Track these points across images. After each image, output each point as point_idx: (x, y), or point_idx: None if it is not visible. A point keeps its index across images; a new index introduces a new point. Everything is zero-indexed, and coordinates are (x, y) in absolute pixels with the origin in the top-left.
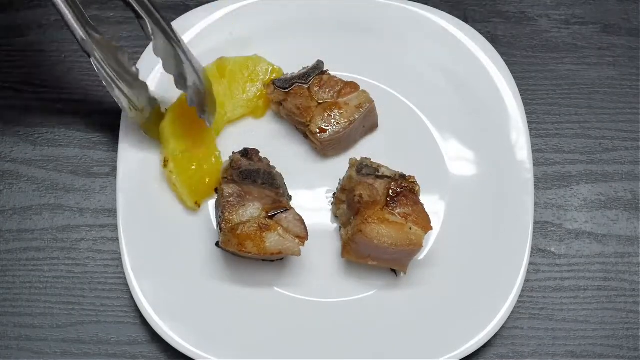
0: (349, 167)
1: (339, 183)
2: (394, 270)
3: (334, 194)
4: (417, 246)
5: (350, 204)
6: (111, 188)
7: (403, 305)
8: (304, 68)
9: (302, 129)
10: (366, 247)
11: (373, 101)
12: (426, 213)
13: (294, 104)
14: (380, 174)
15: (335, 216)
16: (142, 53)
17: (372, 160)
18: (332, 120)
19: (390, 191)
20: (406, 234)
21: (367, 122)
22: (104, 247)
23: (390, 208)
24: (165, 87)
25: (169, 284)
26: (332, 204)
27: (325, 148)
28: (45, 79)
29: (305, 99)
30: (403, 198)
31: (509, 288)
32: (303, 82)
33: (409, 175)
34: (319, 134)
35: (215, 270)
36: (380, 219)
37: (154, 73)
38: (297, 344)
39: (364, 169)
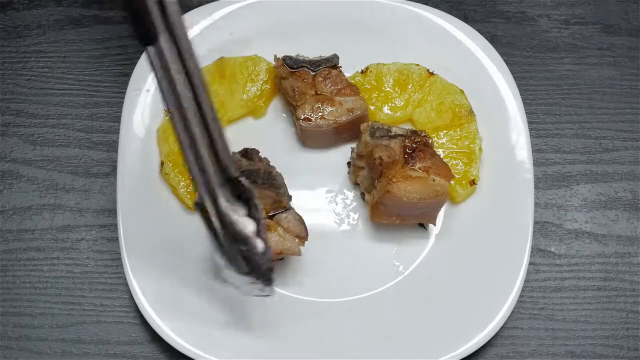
0: (361, 134)
1: (352, 151)
2: (422, 225)
3: (349, 163)
4: (444, 196)
5: (371, 167)
6: (111, 188)
7: (403, 306)
8: (320, 56)
9: (292, 110)
10: (395, 206)
11: (367, 110)
12: (445, 163)
13: (292, 85)
14: (393, 133)
15: (356, 184)
16: (142, 53)
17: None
18: (320, 114)
19: (407, 148)
20: (431, 186)
21: (356, 129)
22: (104, 247)
23: (410, 164)
24: None
25: (169, 284)
26: (348, 172)
27: (305, 136)
28: (45, 79)
29: (305, 85)
30: (420, 152)
31: (509, 288)
32: (311, 68)
33: (420, 130)
34: (302, 121)
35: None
36: (404, 176)
37: (152, 75)
38: (297, 343)
39: (376, 131)
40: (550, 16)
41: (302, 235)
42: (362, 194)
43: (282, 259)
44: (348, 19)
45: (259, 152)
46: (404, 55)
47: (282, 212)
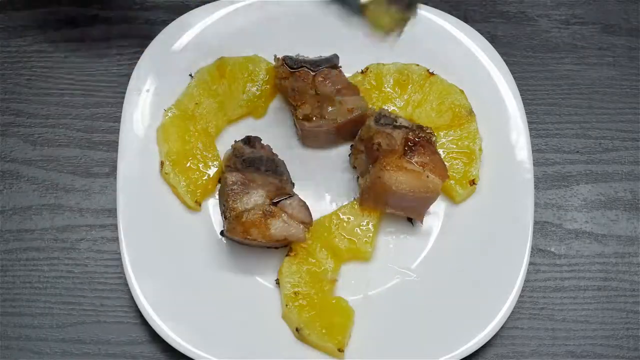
0: (367, 118)
1: (358, 136)
2: (410, 220)
3: (352, 146)
4: (434, 194)
5: (369, 152)
6: (111, 188)
7: (402, 306)
8: (320, 56)
9: (292, 110)
10: (384, 194)
11: (367, 110)
12: (443, 163)
13: (293, 85)
14: (398, 124)
15: (353, 167)
16: (142, 53)
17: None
18: (320, 114)
19: (408, 141)
20: (424, 182)
21: (356, 129)
22: (104, 247)
23: (408, 157)
24: (165, 89)
25: (169, 284)
26: (349, 155)
27: (305, 136)
28: (45, 80)
29: (305, 85)
30: (420, 148)
31: (509, 288)
32: (311, 68)
33: (426, 127)
34: (302, 121)
35: (215, 270)
36: (399, 166)
37: (152, 75)
38: (297, 343)
39: (382, 118)
40: (550, 16)
41: (307, 221)
42: (358, 178)
43: (287, 245)
44: (348, 19)
45: (261, 139)
46: (404, 55)
47: (286, 198)
